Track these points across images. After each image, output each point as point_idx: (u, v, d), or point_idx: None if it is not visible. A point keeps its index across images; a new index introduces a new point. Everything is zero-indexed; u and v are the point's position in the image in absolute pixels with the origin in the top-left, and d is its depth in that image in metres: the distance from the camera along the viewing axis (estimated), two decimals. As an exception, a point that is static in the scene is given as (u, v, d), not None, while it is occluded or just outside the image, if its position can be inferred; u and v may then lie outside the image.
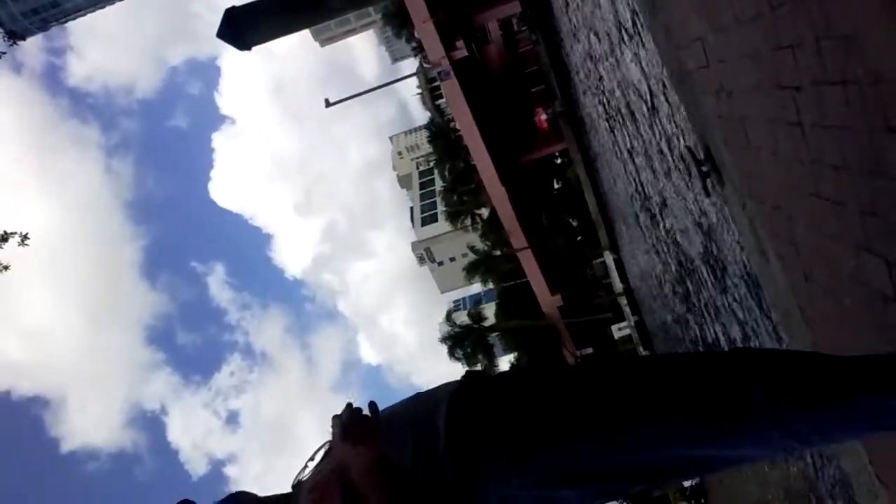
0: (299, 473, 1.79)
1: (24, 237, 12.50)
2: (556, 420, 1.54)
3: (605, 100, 11.76)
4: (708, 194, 4.53)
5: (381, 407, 1.82)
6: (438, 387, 1.78)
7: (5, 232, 12.43)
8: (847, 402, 1.43)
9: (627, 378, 1.58)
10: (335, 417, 1.52)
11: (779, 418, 1.44)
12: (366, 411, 1.56)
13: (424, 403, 1.72)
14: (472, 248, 36.59)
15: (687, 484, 26.65)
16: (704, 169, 4.15)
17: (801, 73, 2.19)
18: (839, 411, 1.44)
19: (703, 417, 1.48)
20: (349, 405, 1.57)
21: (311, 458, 1.77)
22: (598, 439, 1.51)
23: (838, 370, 1.50)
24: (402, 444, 1.63)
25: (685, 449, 1.50)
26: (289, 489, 1.79)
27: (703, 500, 25.22)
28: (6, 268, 12.39)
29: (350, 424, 1.51)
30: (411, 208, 65.30)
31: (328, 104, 27.85)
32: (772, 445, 1.50)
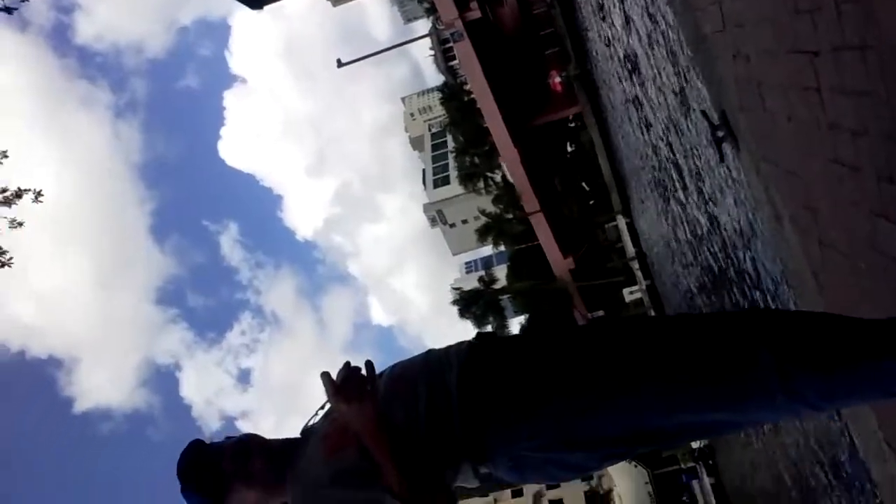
0: (308, 421, 1.83)
1: (38, 194, 12.49)
2: (564, 383, 1.55)
3: (620, 59, 11.61)
4: (722, 159, 4.51)
5: (394, 361, 1.85)
6: (450, 346, 1.79)
7: (19, 188, 12.42)
8: (856, 367, 1.43)
9: (636, 341, 1.58)
10: (323, 374, 1.55)
11: (786, 382, 1.44)
12: (364, 371, 1.58)
13: (436, 361, 1.73)
14: (483, 212, 36.45)
15: (695, 445, 26.91)
16: (720, 134, 4.11)
17: (819, 38, 2.17)
18: (848, 375, 1.44)
19: (711, 381, 1.48)
20: (346, 364, 1.60)
21: (322, 407, 1.80)
22: (606, 404, 1.52)
23: (848, 333, 1.49)
24: (414, 398, 1.65)
25: (693, 412, 1.51)
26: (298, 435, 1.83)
27: (710, 461, 25.46)
28: (20, 224, 12.42)
29: (342, 382, 1.54)
30: (423, 170, 65.05)
31: (340, 64, 27.61)
32: (779, 409, 1.51)
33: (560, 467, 1.60)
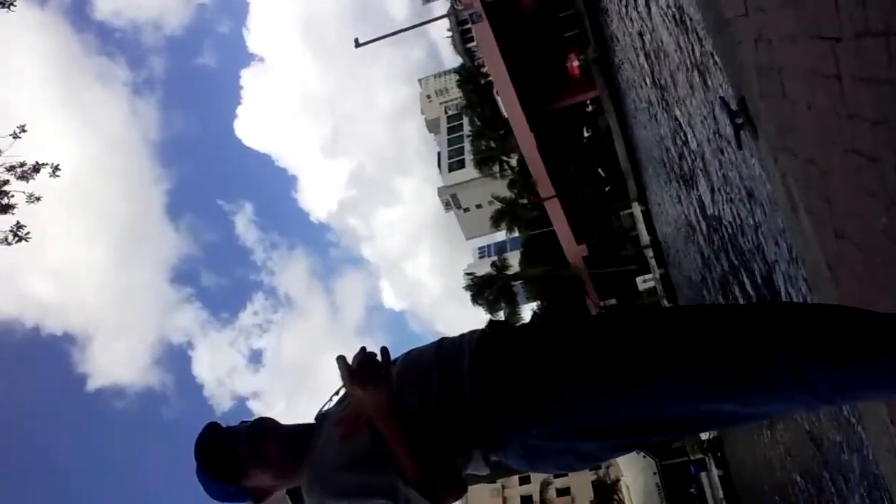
0: (323, 406, 1.85)
1: (56, 168, 12.56)
2: (576, 371, 1.55)
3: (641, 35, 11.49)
4: (740, 146, 4.45)
5: (407, 349, 1.86)
6: (463, 334, 1.80)
7: (37, 162, 12.50)
8: (870, 361, 1.41)
9: (649, 331, 1.57)
10: (339, 358, 1.56)
11: (800, 376, 1.42)
12: (379, 357, 1.59)
13: (449, 349, 1.74)
14: (497, 198, 36.38)
15: (704, 436, 26.90)
16: (738, 121, 4.05)
17: (842, 24, 2.12)
18: (862, 370, 1.42)
19: (724, 370, 1.47)
20: (362, 349, 1.61)
21: (336, 393, 1.81)
22: (618, 393, 1.51)
23: (863, 327, 1.47)
24: (427, 385, 1.66)
25: (704, 403, 1.50)
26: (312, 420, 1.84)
27: (720, 453, 25.47)
28: (38, 199, 12.50)
29: (358, 367, 1.55)
30: (438, 153, 64.95)
31: (357, 44, 27.55)
32: (792, 402, 1.50)
33: (571, 456, 1.60)
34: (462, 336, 1.79)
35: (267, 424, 1.79)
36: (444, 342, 1.80)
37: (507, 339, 1.71)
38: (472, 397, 1.61)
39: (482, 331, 1.78)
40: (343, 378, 1.57)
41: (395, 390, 1.61)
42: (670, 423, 1.55)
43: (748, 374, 1.46)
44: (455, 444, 1.61)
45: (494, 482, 46.60)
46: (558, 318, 1.81)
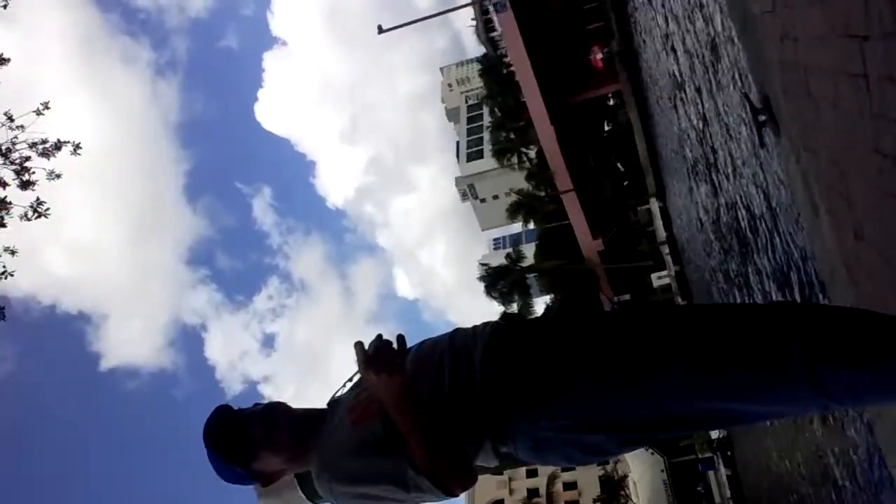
0: (336, 392, 1.86)
1: (77, 147, 12.66)
2: (587, 367, 1.55)
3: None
4: (763, 144, 4.41)
5: (420, 338, 1.88)
6: (476, 326, 1.81)
7: (59, 140, 12.62)
8: (885, 365, 1.40)
9: (662, 327, 1.57)
10: (357, 344, 1.57)
11: (814, 376, 1.41)
12: (395, 345, 1.60)
13: (462, 339, 1.75)
14: (514, 190, 36.29)
15: (714, 436, 26.82)
16: (761, 118, 4.02)
17: (870, 23, 2.10)
18: (876, 373, 1.41)
19: (737, 368, 1.46)
20: (379, 336, 1.62)
21: (350, 380, 1.83)
22: (630, 387, 1.52)
23: (879, 329, 1.46)
24: (439, 374, 1.67)
25: (716, 399, 1.50)
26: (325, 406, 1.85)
27: (729, 453, 25.37)
28: (58, 176, 12.62)
29: (374, 354, 1.56)
30: (457, 143, 64.82)
31: (381, 31, 27.49)
32: (804, 402, 1.49)
33: (580, 450, 1.61)
34: (475, 327, 1.80)
35: (279, 408, 1.81)
36: (457, 333, 1.81)
37: (520, 332, 1.72)
38: (483, 387, 1.61)
39: (495, 323, 1.79)
40: (359, 363, 1.57)
41: (409, 378, 1.61)
42: (680, 420, 1.55)
43: (763, 370, 1.45)
44: (466, 433, 1.61)
45: (501, 474, 46.74)
46: (572, 311, 1.82)
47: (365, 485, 1.63)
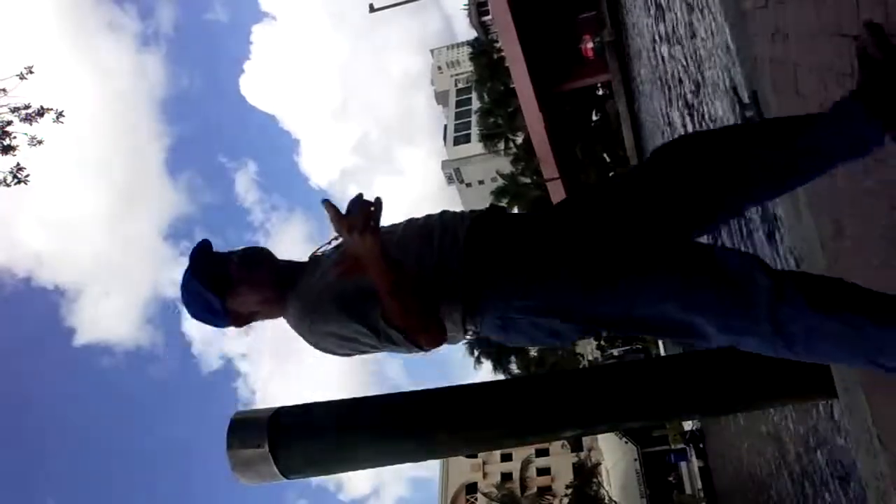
0: (319, 248, 1.92)
1: (60, 114, 12.53)
2: (575, 258, 1.63)
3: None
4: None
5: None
6: (464, 210, 1.91)
7: (42, 107, 12.47)
8: (851, 319, 1.44)
9: (648, 242, 1.66)
10: (324, 202, 1.56)
11: (776, 312, 1.47)
12: (373, 207, 1.61)
13: (451, 218, 1.84)
14: (500, 175, 36.27)
15: (687, 427, 27.11)
16: (748, 114, 4.04)
17: (861, 21, 2.10)
18: (841, 324, 1.44)
19: (706, 282, 1.53)
20: (359, 195, 1.61)
21: (335, 239, 1.89)
22: (607, 285, 1.59)
23: (854, 290, 1.51)
24: (428, 245, 1.75)
25: (677, 311, 1.55)
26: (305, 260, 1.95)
27: (701, 445, 25.66)
28: (40, 142, 12.47)
29: (347, 211, 1.57)
30: (445, 126, 64.61)
31: (372, 9, 27.27)
32: (760, 339, 1.53)
33: (544, 333, 1.69)
34: (464, 210, 1.90)
35: (263, 251, 1.88)
36: (446, 213, 1.90)
37: (504, 220, 1.81)
38: (464, 260, 1.69)
39: (483, 209, 1.90)
40: (332, 221, 1.57)
41: (398, 246, 1.71)
42: (641, 322, 1.61)
43: (727, 292, 1.51)
44: (441, 298, 1.69)
45: (475, 457, 47.03)
46: (557, 213, 1.89)
47: (342, 323, 1.69)
